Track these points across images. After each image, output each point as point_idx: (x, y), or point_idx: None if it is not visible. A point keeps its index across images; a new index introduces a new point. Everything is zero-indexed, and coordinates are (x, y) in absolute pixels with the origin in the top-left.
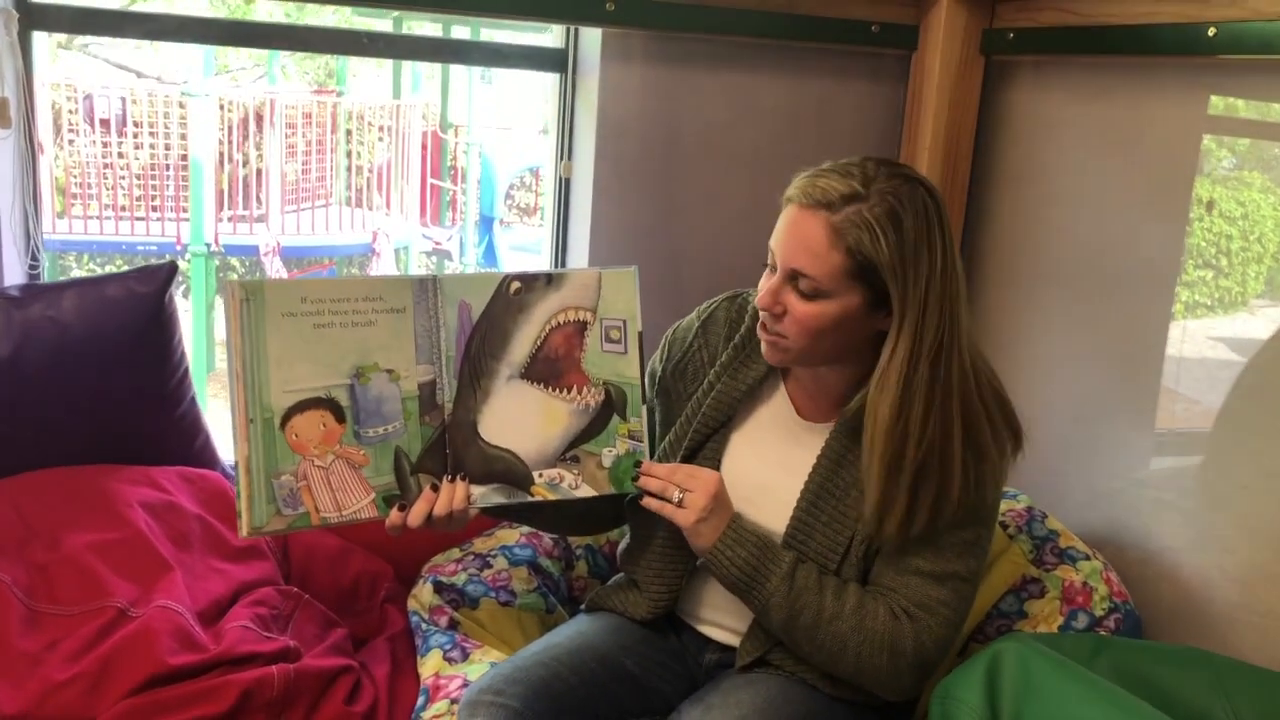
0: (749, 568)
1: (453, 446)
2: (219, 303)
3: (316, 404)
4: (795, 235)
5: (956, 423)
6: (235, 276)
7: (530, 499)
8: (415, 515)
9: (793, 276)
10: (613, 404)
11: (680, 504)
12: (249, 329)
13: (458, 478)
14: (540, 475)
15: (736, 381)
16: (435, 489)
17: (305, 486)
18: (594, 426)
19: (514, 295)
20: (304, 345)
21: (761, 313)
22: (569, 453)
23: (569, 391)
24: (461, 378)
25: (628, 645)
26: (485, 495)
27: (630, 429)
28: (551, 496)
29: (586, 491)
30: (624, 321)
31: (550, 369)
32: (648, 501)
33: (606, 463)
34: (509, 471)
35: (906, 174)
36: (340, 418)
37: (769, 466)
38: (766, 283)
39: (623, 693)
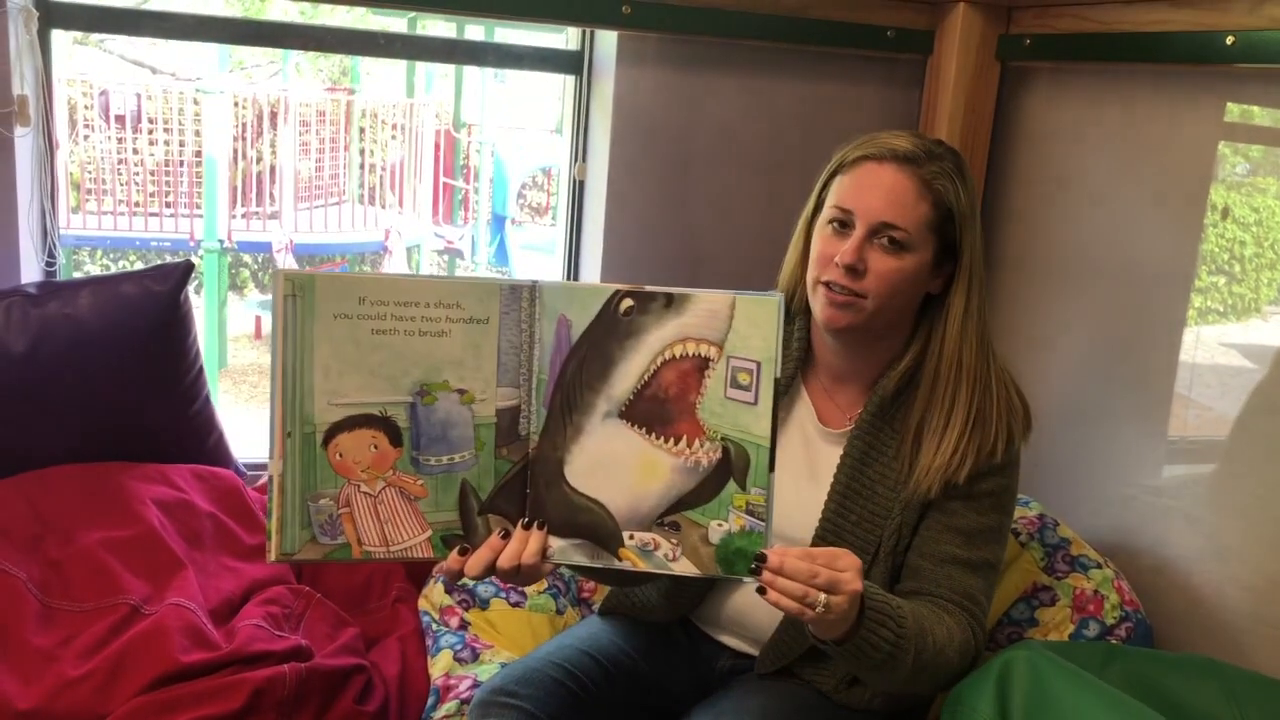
0: (889, 645)
1: (534, 487)
2: (232, 299)
3: (368, 422)
4: (883, 189)
5: (993, 373)
6: (284, 265)
7: (617, 564)
8: (476, 563)
9: (877, 231)
10: (731, 466)
11: (827, 607)
12: (293, 329)
13: (535, 525)
14: (631, 538)
15: None
16: (505, 535)
17: (347, 514)
18: (704, 491)
19: (623, 315)
20: (358, 353)
21: (834, 272)
22: (668, 517)
23: (677, 442)
24: (551, 407)
25: (639, 646)
26: (564, 551)
27: (750, 501)
28: (643, 566)
29: (687, 568)
30: (758, 364)
31: (657, 411)
32: (778, 601)
33: (714, 538)
34: (596, 527)
35: (945, 142)
36: (396, 440)
37: (796, 477)
38: (837, 243)
39: (634, 694)
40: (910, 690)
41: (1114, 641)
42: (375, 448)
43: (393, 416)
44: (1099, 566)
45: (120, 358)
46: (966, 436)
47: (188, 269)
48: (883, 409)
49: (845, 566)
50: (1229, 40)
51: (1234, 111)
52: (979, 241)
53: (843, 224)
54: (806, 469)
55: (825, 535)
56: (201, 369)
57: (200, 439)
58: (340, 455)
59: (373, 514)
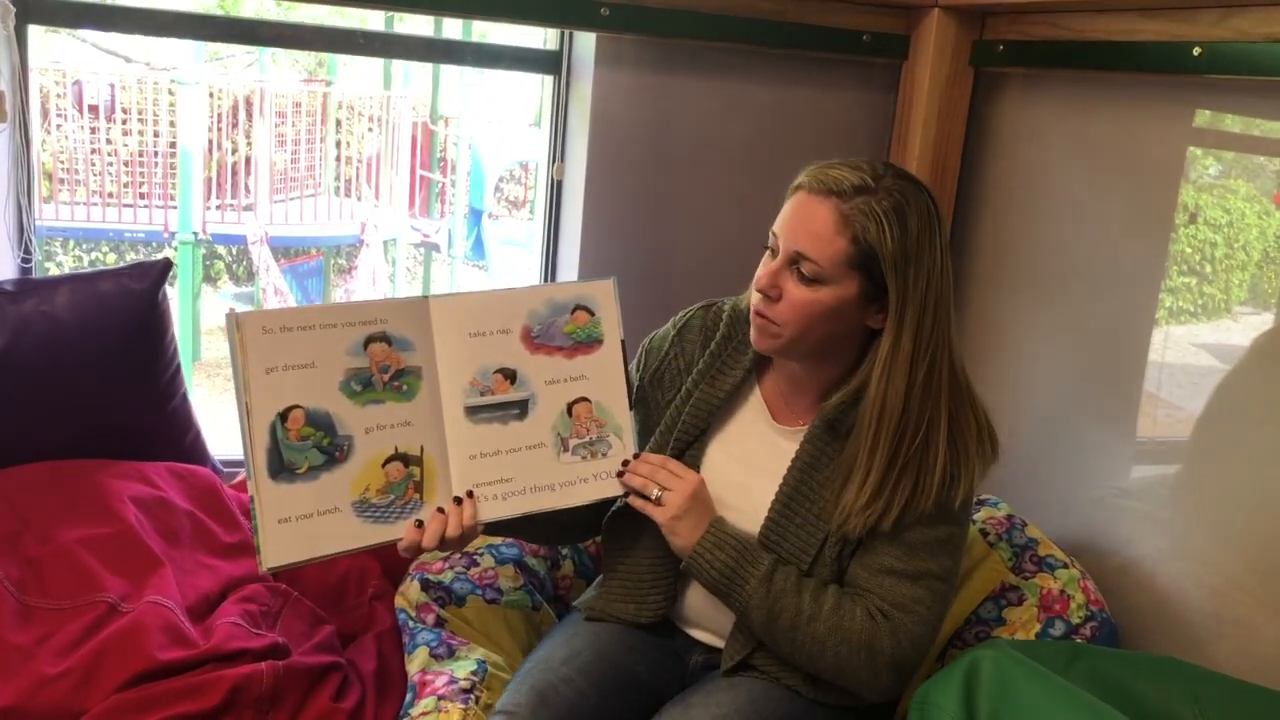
0: (728, 570)
1: None
2: (206, 291)
3: None
4: (803, 219)
5: (943, 420)
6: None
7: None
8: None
9: (794, 260)
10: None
11: (658, 501)
12: None
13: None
14: None
15: (714, 388)
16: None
17: None
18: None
19: None
20: None
21: (756, 296)
22: None
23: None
24: None
25: (636, 649)
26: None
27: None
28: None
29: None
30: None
31: None
32: (631, 499)
33: None
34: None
35: (911, 177)
36: None
37: (745, 470)
38: (766, 266)
39: (635, 701)
40: (811, 667)
41: (1079, 641)
42: None
43: None
44: (1065, 566)
45: (98, 355)
46: (891, 484)
47: (166, 267)
48: (829, 424)
49: (687, 472)
50: (1196, 51)
51: (1204, 116)
52: (924, 284)
53: (774, 250)
54: (758, 463)
55: (770, 533)
56: (179, 367)
57: (178, 437)
58: None
59: None
